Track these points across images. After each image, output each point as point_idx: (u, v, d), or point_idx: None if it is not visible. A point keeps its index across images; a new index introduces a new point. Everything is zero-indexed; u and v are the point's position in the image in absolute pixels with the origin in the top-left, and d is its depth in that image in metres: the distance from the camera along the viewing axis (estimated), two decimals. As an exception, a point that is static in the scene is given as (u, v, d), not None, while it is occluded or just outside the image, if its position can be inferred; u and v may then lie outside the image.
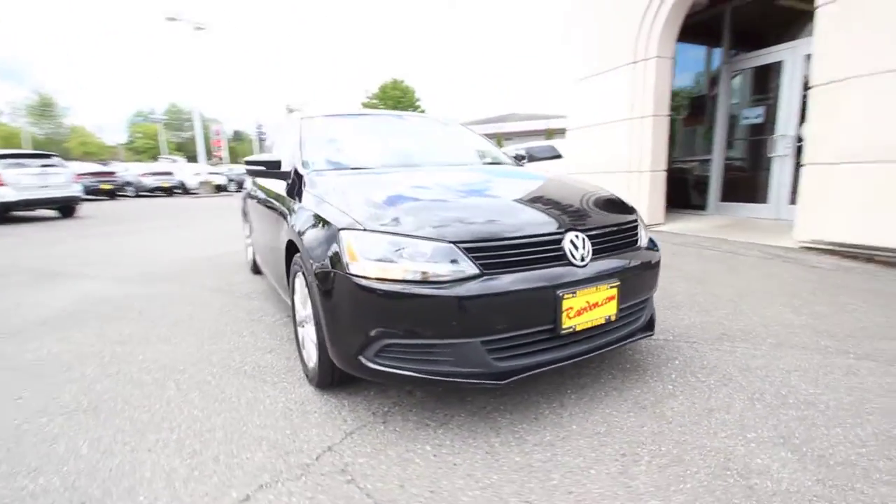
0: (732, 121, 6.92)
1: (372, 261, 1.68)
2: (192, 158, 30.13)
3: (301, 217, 2.17)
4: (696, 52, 7.23)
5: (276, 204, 2.80)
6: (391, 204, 1.92)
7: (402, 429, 1.80)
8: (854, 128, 4.26)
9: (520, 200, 2.11)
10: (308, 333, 2.15)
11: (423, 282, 1.62)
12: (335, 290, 1.75)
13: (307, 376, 2.24)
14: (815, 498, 1.37)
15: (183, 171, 22.58)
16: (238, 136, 61.55)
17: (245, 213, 4.50)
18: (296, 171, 2.59)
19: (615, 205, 2.29)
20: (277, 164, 2.67)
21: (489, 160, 3.23)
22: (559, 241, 1.81)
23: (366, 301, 1.66)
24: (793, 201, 5.56)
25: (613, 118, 6.91)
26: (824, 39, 4.48)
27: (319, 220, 1.97)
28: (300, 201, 2.30)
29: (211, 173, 22.65)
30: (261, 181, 3.55)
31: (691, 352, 2.43)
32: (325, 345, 1.88)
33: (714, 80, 7.12)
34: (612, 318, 1.88)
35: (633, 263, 2.01)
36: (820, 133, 4.57)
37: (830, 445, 1.62)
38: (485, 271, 1.65)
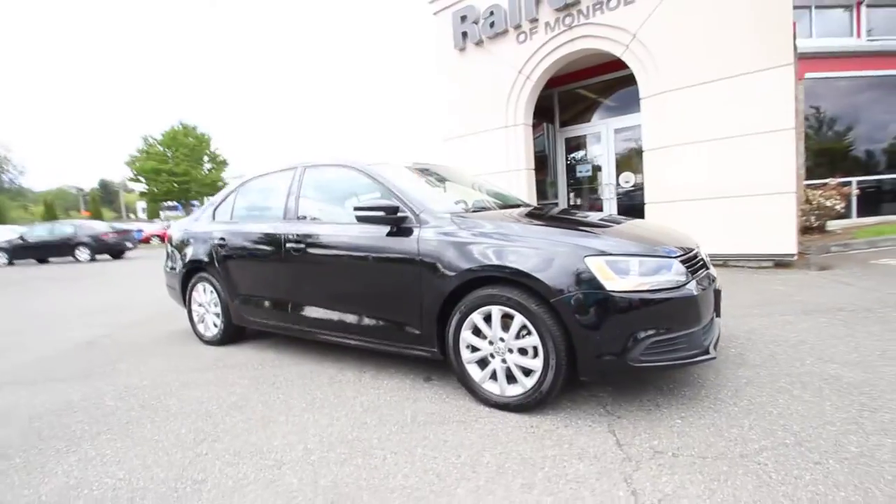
0: (572, 172, 9.12)
1: (628, 277, 2.07)
2: None
3: (476, 254, 2.32)
4: (543, 122, 9.29)
5: (383, 250, 2.70)
6: (602, 232, 2.32)
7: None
8: (675, 177, 6.43)
9: (650, 226, 2.80)
10: (515, 360, 2.27)
11: (671, 288, 2.10)
12: (593, 307, 2.05)
13: (518, 404, 2.30)
14: None
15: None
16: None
17: (219, 270, 3.71)
18: (417, 217, 2.63)
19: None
20: (395, 209, 2.65)
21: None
22: (699, 253, 2.55)
23: (631, 310, 2.03)
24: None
25: (492, 170, 8.21)
26: (648, 120, 6.66)
27: (537, 253, 2.20)
28: (452, 245, 2.42)
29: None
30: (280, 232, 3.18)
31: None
32: (555, 365, 2.13)
33: (553, 144, 9.28)
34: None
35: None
36: (655, 181, 6.68)
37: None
38: (690, 277, 2.24)
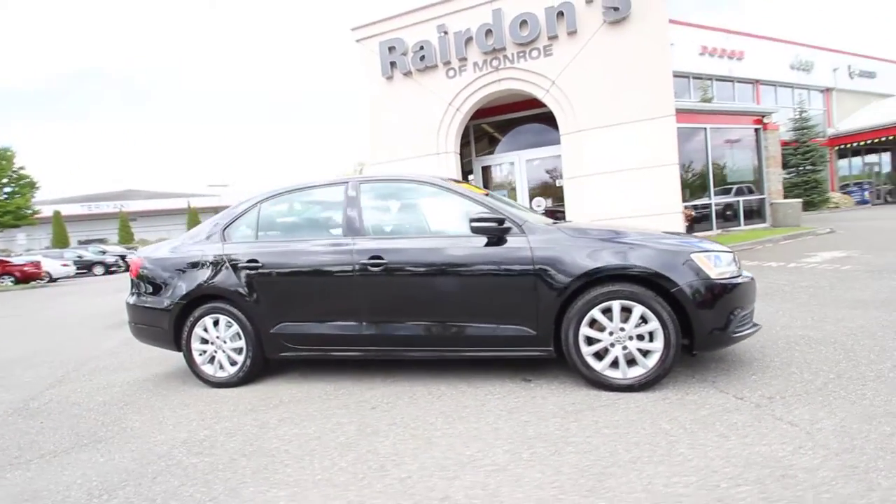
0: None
1: (719, 267, 2.65)
2: None
3: (598, 256, 2.68)
4: (464, 151, 9.99)
5: (492, 260, 2.84)
6: (673, 235, 2.87)
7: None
8: (591, 201, 7.67)
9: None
10: (636, 346, 2.64)
11: (739, 275, 2.75)
12: (708, 292, 2.57)
13: (641, 382, 2.64)
14: None
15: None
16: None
17: (248, 297, 3.25)
18: (520, 227, 2.87)
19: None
20: (503, 220, 2.83)
21: None
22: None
23: (728, 292, 2.61)
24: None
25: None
26: (567, 153, 7.84)
27: (656, 253, 2.64)
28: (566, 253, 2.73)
29: None
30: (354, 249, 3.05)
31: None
32: (675, 344, 2.57)
33: (472, 171, 10.06)
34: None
35: None
36: (574, 204, 7.84)
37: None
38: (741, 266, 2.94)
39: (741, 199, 12.92)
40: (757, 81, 20.32)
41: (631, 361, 2.68)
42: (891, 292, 4.55)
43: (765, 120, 14.24)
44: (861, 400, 2.32)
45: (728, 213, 12.73)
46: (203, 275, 3.37)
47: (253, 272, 3.24)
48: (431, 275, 2.95)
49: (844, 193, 21.97)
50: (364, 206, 3.21)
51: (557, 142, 9.31)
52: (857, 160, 24.15)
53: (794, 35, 22.13)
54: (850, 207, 20.48)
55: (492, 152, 10.16)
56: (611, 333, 2.69)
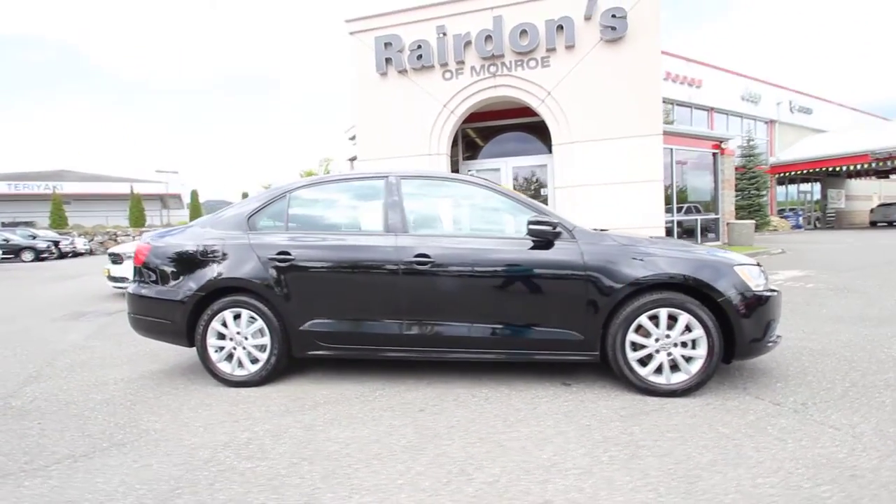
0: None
1: (756, 280, 2.80)
2: None
3: (650, 265, 2.75)
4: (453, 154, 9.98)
5: (543, 264, 2.85)
6: (712, 249, 3.00)
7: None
8: (581, 211, 7.89)
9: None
10: (680, 352, 2.73)
11: (769, 288, 2.91)
12: (749, 303, 2.71)
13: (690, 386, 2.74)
14: None
15: None
16: None
17: (278, 290, 3.07)
18: (570, 232, 2.91)
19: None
20: (556, 224, 2.86)
21: None
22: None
23: (764, 304, 2.76)
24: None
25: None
26: (559, 163, 8.02)
27: (703, 264, 2.75)
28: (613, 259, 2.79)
29: None
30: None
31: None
32: (718, 351, 2.69)
33: (457, 172, 10.06)
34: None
35: None
36: (563, 214, 8.02)
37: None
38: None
39: (699, 217, 13.78)
40: (712, 109, 21.81)
41: (673, 367, 2.78)
42: (860, 309, 5.00)
43: (722, 145, 15.28)
44: (883, 406, 2.52)
45: (687, 230, 13.55)
46: (225, 265, 3.14)
47: (284, 265, 3.06)
48: (479, 276, 2.91)
49: (782, 218, 23.98)
50: (406, 203, 3.13)
51: (543, 151, 9.55)
52: (792, 188, 26.47)
53: (746, 68, 23.95)
54: (786, 231, 22.37)
55: (473, 157, 10.24)
56: (656, 340, 2.77)
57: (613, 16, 7.34)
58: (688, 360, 2.76)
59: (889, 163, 19.77)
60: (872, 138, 20.94)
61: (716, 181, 14.80)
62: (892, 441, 2.15)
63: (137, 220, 29.16)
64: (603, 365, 2.90)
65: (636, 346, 2.79)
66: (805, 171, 23.47)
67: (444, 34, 8.05)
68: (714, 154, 14.91)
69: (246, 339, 3.13)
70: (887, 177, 27.34)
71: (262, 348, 3.13)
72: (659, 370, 2.78)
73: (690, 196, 14.47)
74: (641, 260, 2.79)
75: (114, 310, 6.61)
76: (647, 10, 7.29)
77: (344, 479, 1.96)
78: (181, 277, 3.20)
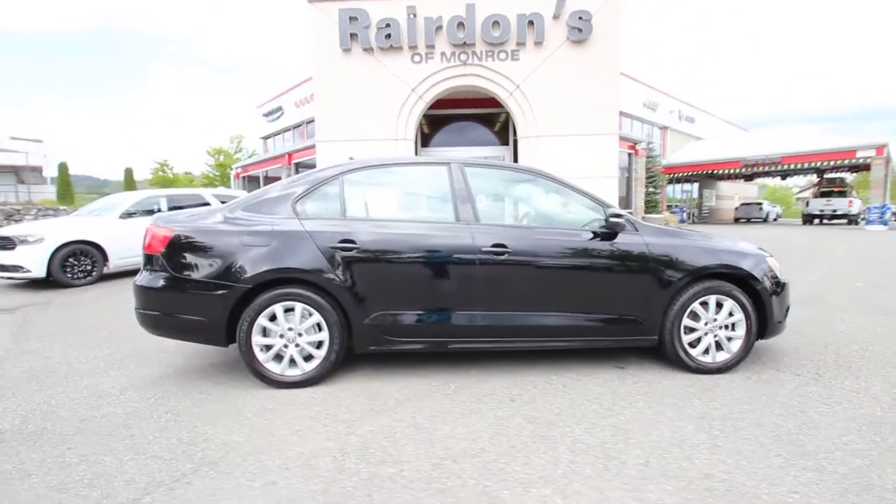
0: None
1: (778, 270, 3.25)
2: None
3: (705, 255, 3.05)
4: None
5: (613, 254, 3.00)
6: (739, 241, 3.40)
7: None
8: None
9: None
10: (724, 334, 3.08)
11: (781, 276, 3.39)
12: (778, 290, 3.13)
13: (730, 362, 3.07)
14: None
15: None
16: None
17: (342, 281, 2.81)
18: (633, 225, 3.10)
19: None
20: (621, 216, 3.02)
21: None
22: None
23: (784, 290, 3.22)
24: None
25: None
26: (522, 156, 8.29)
27: (745, 256, 3.11)
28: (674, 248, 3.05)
29: None
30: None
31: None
32: (755, 332, 3.09)
33: (415, 161, 9.91)
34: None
35: None
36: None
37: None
38: None
39: (620, 211, 15.23)
40: (621, 113, 24.00)
41: (717, 347, 3.12)
42: (809, 297, 5.96)
43: (637, 147, 16.96)
44: (883, 372, 3.09)
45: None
46: (275, 254, 2.81)
47: (347, 254, 2.83)
48: (554, 267, 2.98)
49: (671, 213, 27.41)
50: (475, 193, 3.06)
51: (497, 143, 9.80)
52: (678, 187, 30.31)
53: (646, 77, 26.62)
54: (676, 224, 25.64)
55: (426, 144, 10.16)
56: (706, 323, 3.09)
57: (580, 18, 7.75)
58: (728, 339, 3.12)
59: (757, 168, 23.58)
60: (743, 146, 24.82)
61: (630, 179, 16.38)
62: (900, 399, 2.68)
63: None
64: (648, 349, 3.15)
65: (688, 330, 3.09)
66: (690, 173, 27.02)
67: (414, 15, 7.81)
68: (629, 154, 16.45)
69: (300, 335, 2.84)
70: (752, 180, 32.67)
71: (317, 345, 2.87)
72: (706, 351, 3.11)
73: (610, 191, 15.89)
74: (700, 252, 3.07)
75: (13, 305, 5.49)
76: (610, 17, 7.81)
77: (502, 475, 1.92)
78: (220, 267, 2.79)
